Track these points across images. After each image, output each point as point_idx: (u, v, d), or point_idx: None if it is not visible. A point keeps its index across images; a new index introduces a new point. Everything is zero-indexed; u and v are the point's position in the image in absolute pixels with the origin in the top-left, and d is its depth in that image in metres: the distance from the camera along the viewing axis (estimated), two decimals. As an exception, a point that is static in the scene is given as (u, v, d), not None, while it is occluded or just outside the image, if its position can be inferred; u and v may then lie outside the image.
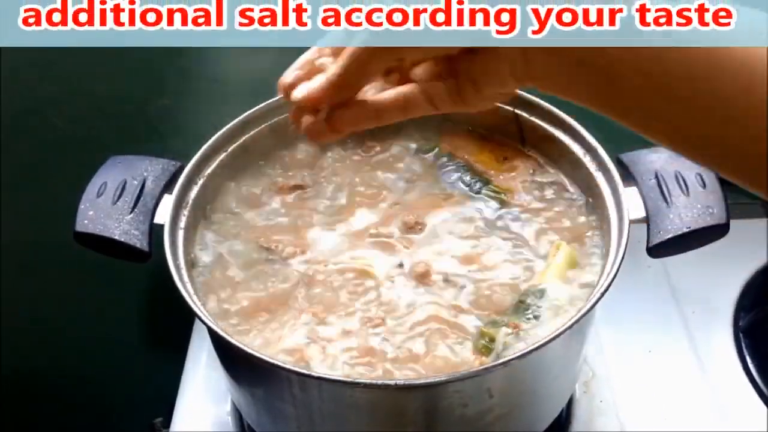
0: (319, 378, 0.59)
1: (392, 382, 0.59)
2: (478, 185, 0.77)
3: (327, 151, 0.81)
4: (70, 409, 1.26)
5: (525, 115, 0.76)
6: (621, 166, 0.71)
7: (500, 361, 0.58)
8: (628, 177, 0.70)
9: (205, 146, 0.74)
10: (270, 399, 0.67)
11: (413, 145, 0.82)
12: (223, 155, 0.76)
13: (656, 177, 0.69)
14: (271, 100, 0.77)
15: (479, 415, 0.63)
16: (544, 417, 0.72)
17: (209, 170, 0.75)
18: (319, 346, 0.65)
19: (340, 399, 0.62)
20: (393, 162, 0.81)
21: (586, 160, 0.73)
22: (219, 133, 0.75)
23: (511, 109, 0.77)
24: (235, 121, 0.76)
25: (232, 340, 0.60)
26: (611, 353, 0.87)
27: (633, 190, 0.69)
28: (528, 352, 0.58)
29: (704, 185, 0.68)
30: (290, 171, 0.80)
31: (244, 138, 0.77)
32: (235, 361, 0.68)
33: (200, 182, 0.74)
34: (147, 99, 0.96)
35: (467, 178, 0.78)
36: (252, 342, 0.65)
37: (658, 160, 0.70)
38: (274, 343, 0.66)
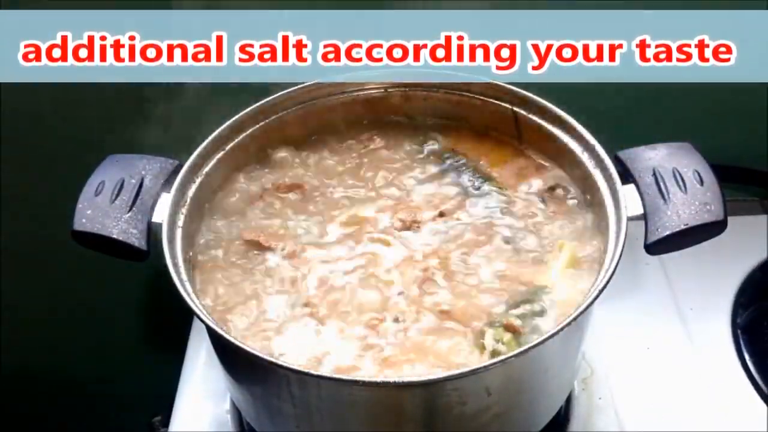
0: (317, 376, 0.59)
1: (390, 380, 0.59)
2: (479, 182, 0.77)
3: (326, 151, 0.81)
4: (69, 408, 1.26)
5: (523, 112, 0.76)
6: (619, 163, 0.71)
7: (499, 359, 0.58)
8: (626, 174, 0.70)
9: (203, 145, 0.74)
10: (269, 397, 0.67)
11: (414, 143, 0.82)
12: (221, 153, 0.76)
13: (654, 174, 0.69)
14: (267, 99, 0.77)
15: (478, 413, 0.63)
16: (543, 414, 0.72)
17: (207, 168, 0.75)
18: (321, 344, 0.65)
19: (339, 397, 0.62)
20: (393, 160, 0.81)
21: (584, 157, 0.73)
22: (217, 131, 0.75)
23: (509, 107, 0.77)
24: (232, 119, 0.76)
25: (231, 339, 0.60)
26: (610, 350, 0.87)
27: (631, 188, 0.69)
28: (526, 349, 0.58)
29: (702, 182, 0.68)
30: (288, 170, 0.80)
31: (242, 136, 0.77)
32: (234, 360, 0.68)
33: (198, 180, 0.74)
34: (145, 97, 0.96)
35: (469, 175, 0.78)
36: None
37: (656, 157, 0.70)
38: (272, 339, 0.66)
